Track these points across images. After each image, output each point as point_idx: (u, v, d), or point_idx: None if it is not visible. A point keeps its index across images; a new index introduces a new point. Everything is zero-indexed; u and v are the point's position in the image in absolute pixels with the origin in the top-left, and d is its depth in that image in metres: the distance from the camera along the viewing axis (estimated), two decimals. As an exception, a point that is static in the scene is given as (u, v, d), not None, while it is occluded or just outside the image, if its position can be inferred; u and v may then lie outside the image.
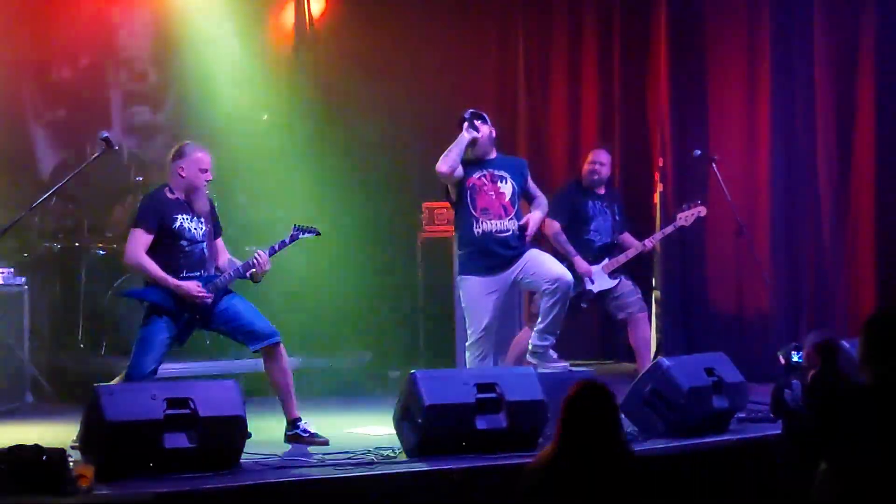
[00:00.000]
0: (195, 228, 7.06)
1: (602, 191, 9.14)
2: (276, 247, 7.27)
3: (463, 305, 7.76)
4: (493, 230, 7.61)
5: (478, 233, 7.61)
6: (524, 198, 7.82)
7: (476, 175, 7.67)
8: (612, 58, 10.92)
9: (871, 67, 9.61)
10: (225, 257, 7.27)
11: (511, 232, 7.62)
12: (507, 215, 7.63)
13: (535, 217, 7.75)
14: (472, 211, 7.63)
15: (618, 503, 4.07)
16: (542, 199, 7.91)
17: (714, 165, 8.94)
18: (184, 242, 7.02)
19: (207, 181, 7.10)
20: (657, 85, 10.49)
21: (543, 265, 7.62)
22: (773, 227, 9.92)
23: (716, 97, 10.19)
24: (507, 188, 7.68)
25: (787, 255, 9.92)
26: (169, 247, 7.00)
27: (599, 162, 9.04)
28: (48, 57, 10.19)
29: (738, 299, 9.74)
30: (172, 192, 7.06)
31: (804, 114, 9.89)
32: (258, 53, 10.81)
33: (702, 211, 8.88)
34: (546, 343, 7.71)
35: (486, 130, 7.72)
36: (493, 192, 7.66)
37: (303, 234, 7.32)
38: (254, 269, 7.10)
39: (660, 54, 10.43)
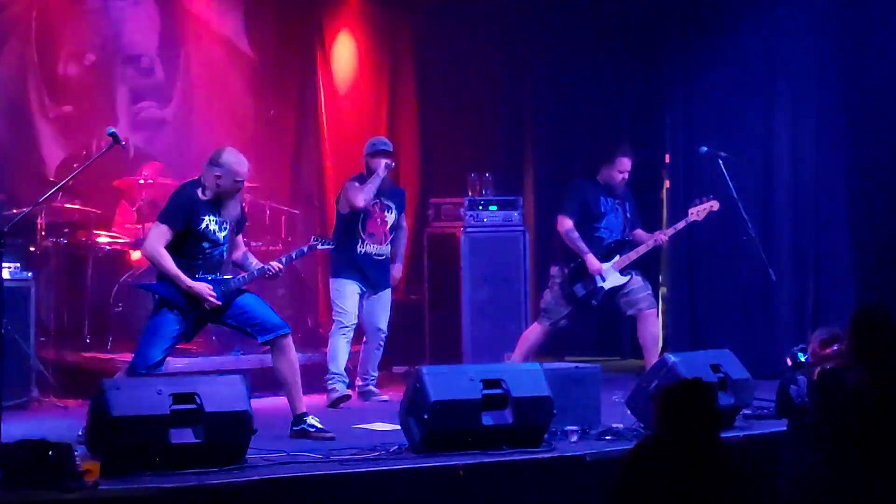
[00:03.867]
0: (219, 231, 7.03)
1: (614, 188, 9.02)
2: (294, 255, 7.52)
3: (333, 298, 8.65)
4: (374, 253, 8.66)
5: (360, 252, 8.61)
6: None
7: (372, 201, 8.56)
8: (622, 51, 10.91)
9: (873, 66, 9.62)
10: (241, 251, 7.29)
11: (385, 257, 8.74)
12: (385, 241, 8.70)
13: (397, 270, 8.91)
14: (361, 232, 8.59)
15: (713, 492, 4.18)
16: (403, 232, 8.93)
17: (721, 162, 8.89)
18: (206, 244, 7.00)
19: (241, 189, 7.12)
20: (666, 79, 10.47)
21: (380, 315, 8.71)
22: (780, 223, 9.89)
23: (727, 93, 10.14)
24: (391, 218, 8.73)
25: (793, 251, 9.89)
26: (191, 246, 6.97)
27: (628, 170, 8.92)
28: (54, 53, 10.18)
29: (744, 296, 9.71)
30: (204, 193, 7.00)
31: (813, 111, 9.87)
32: (265, 46, 10.81)
33: (714, 205, 8.76)
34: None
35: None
36: (379, 220, 8.67)
37: (320, 245, 7.48)
38: (268, 275, 7.23)
39: (670, 47, 10.41)
